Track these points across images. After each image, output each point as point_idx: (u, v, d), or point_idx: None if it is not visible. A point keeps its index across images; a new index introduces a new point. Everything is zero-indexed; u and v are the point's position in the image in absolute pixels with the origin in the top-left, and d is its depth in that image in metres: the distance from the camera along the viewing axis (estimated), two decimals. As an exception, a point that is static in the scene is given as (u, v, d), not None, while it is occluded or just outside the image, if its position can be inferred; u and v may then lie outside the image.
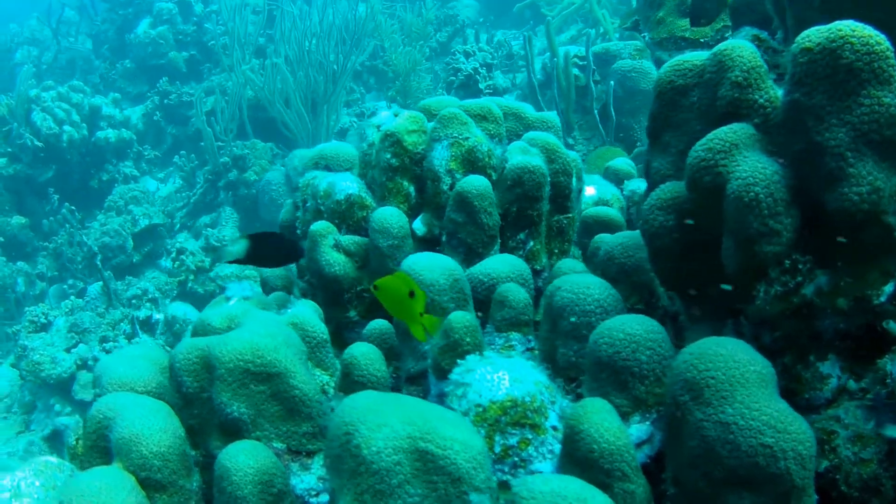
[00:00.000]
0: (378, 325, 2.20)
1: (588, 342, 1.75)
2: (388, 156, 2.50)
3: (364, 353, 1.94)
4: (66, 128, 6.43)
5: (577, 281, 1.88)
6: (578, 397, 1.84)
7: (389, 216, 2.34)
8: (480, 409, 1.68)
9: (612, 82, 5.15)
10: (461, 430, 1.46)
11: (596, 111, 5.01)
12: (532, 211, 2.41)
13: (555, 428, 1.73)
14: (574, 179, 2.52)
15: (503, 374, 1.71)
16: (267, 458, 1.66)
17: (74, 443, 2.25)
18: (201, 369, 1.86)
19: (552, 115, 2.70)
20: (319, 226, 2.42)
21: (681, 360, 1.58)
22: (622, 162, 3.65)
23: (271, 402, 1.82)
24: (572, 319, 1.85)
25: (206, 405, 1.86)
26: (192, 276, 5.54)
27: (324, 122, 6.36)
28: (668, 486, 1.64)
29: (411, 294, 1.69)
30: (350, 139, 6.34)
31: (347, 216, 2.49)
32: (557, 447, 1.71)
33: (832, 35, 1.55)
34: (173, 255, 5.70)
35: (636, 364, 1.68)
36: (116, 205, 6.07)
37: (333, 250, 2.41)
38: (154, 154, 6.84)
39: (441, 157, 2.44)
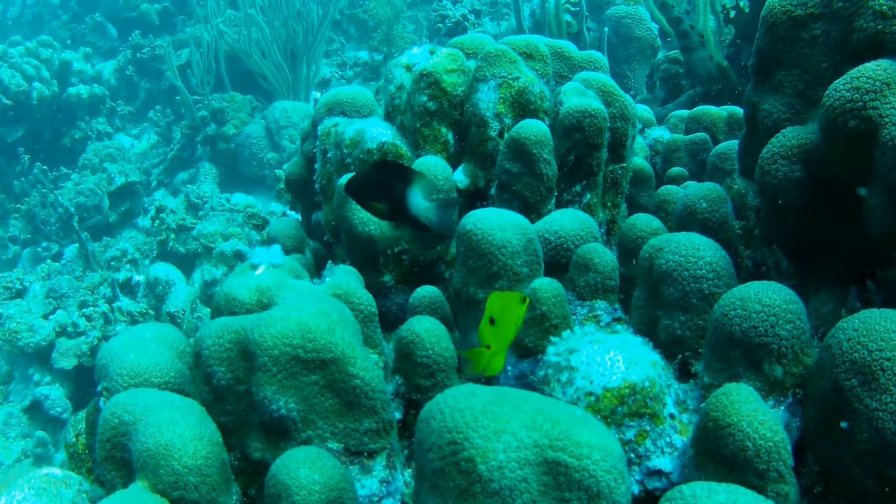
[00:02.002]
0: (427, 291, 1.81)
1: (711, 314, 1.38)
2: (425, 98, 2.08)
3: (429, 330, 1.54)
4: (36, 84, 5.81)
5: (682, 241, 1.50)
6: (688, 377, 1.47)
7: (433, 166, 1.93)
8: (592, 399, 1.31)
9: (606, 29, 4.74)
10: (597, 433, 1.09)
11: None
12: (591, 160, 2.01)
13: (672, 416, 1.37)
14: (630, 125, 2.13)
15: (616, 354, 1.33)
16: (334, 468, 1.27)
17: (74, 439, 1.83)
18: (237, 357, 1.45)
19: (598, 55, 2.30)
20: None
21: (841, 338, 1.23)
22: (641, 109, 3.27)
23: (326, 395, 1.42)
24: (680, 286, 1.47)
25: (242, 399, 1.46)
26: (172, 235, 5.04)
27: (303, 74, 5.85)
28: (811, 482, 1.31)
29: (492, 321, 1.28)
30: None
31: (379, 168, 2.07)
32: (676, 439, 1.35)
33: None
34: (152, 213, 5.19)
35: (775, 340, 1.31)
36: (91, 163, 5.51)
37: (367, 207, 1.99)
38: (128, 110, 6.25)
39: (488, 100, 2.03)
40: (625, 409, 1.30)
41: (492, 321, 1.26)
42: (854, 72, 1.35)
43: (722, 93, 3.71)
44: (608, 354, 1.32)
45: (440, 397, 1.14)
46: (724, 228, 1.79)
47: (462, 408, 1.10)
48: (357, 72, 5.90)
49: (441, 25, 5.23)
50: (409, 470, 1.56)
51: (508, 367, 1.54)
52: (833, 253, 1.50)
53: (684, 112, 3.18)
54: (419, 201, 1.67)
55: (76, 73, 6.25)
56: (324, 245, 2.44)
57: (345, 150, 2.11)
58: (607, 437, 1.09)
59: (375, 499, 1.45)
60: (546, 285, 1.49)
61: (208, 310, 4.66)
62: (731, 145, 2.12)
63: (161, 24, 6.72)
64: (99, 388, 1.58)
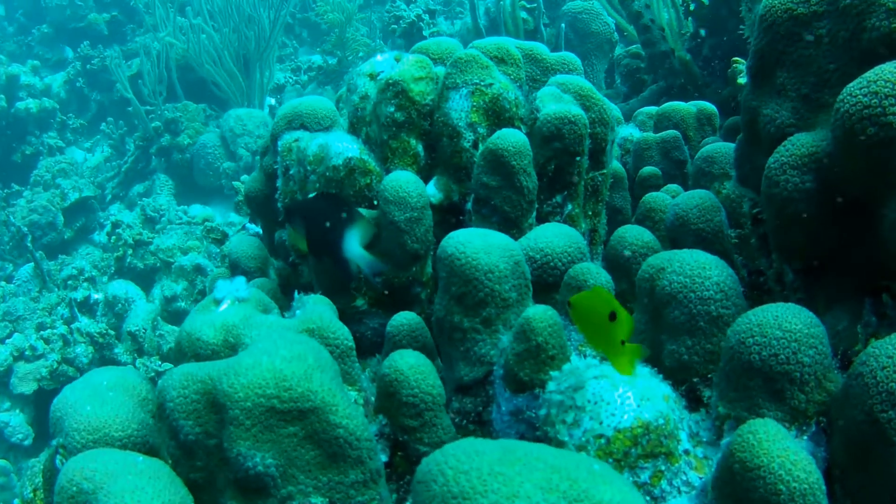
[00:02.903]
0: (406, 318, 1.65)
1: (726, 341, 1.24)
2: (392, 109, 1.92)
3: (413, 367, 1.39)
4: (-17, 100, 5.51)
5: (686, 260, 1.36)
6: (697, 404, 1.34)
7: (406, 183, 1.77)
8: (603, 441, 1.16)
9: (562, 25, 4.61)
10: (619, 489, 0.94)
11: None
12: (572, 168, 1.87)
13: (686, 452, 1.23)
14: (610, 130, 1.99)
15: (625, 391, 1.19)
16: (323, 537, 1.12)
17: (31, 495, 1.63)
18: (204, 409, 1.28)
19: (572, 56, 2.15)
20: (317, 199, 1.83)
21: (874, 366, 1.10)
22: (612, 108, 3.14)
23: (306, 447, 1.26)
24: (686, 309, 1.33)
25: (213, 454, 1.29)
26: (130, 251, 4.79)
27: (257, 80, 5.62)
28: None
29: (612, 317, 1.15)
30: (287, 96, 5.63)
31: (347, 185, 1.90)
32: (693, 476, 1.22)
33: None
34: (108, 228, 4.94)
35: (797, 368, 1.18)
36: (43, 179, 5.22)
37: (337, 228, 1.83)
38: (79, 123, 5.94)
39: (460, 109, 1.87)
40: (638, 451, 1.16)
41: (612, 316, 1.13)
42: (870, 75, 1.23)
43: (685, 87, 3.61)
44: (617, 391, 1.18)
45: (439, 455, 0.99)
46: (719, 238, 1.67)
47: (467, 469, 0.95)
48: (311, 76, 5.69)
49: (395, 26, 5.05)
50: (399, 518, 1.41)
51: (502, 403, 1.40)
52: (844, 266, 1.38)
53: (652, 109, 3.06)
54: (354, 246, 1.64)
55: (24, 87, 5.95)
56: (289, 265, 2.26)
57: (308, 167, 1.94)
58: (630, 492, 0.95)
59: (365, 555, 1.29)
60: (541, 314, 1.34)
61: (170, 327, 4.44)
62: (717, 148, 2.00)
63: (110, 34, 6.40)
64: (54, 444, 1.40)
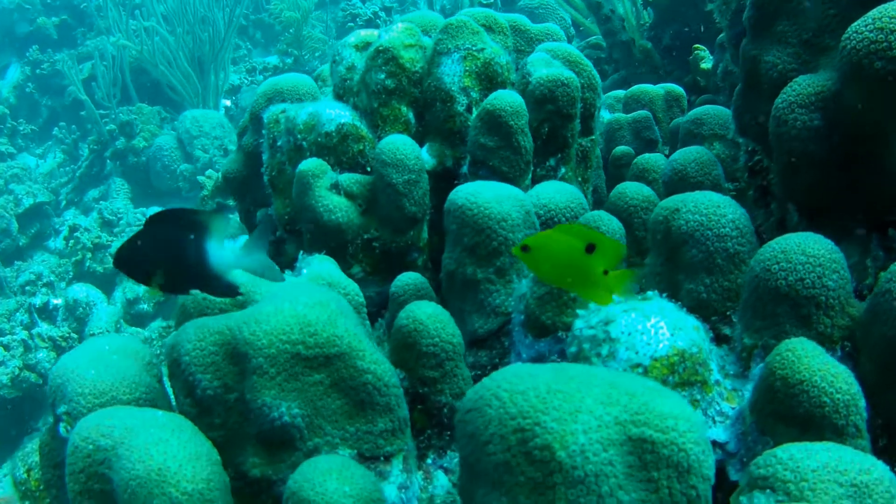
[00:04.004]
0: (410, 278, 1.60)
1: (749, 271, 1.23)
2: (382, 76, 1.87)
3: (432, 315, 1.34)
4: (-72, 107, 5.27)
5: (701, 199, 1.35)
6: (719, 344, 1.33)
7: (402, 145, 1.73)
8: (640, 371, 1.13)
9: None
10: (677, 403, 0.92)
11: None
12: (566, 131, 1.85)
13: (717, 383, 1.21)
14: (597, 96, 1.98)
15: (658, 321, 1.16)
16: (364, 477, 1.06)
17: (25, 476, 1.54)
18: (223, 361, 1.22)
19: (555, 27, 2.14)
20: (311, 164, 1.77)
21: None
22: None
23: (332, 395, 1.20)
24: (704, 247, 1.32)
25: (233, 410, 1.22)
26: (89, 255, 4.63)
27: (212, 82, 5.51)
28: (875, 436, 1.18)
29: (589, 249, 1.10)
30: (244, 96, 5.53)
31: (340, 151, 1.85)
32: (725, 406, 1.20)
33: None
34: (65, 233, 4.77)
35: (823, 292, 1.17)
36: (-6, 184, 5.03)
37: (332, 193, 1.78)
38: (30, 128, 5.72)
39: (452, 73, 1.84)
40: (675, 379, 1.14)
41: (590, 248, 1.08)
42: (875, 12, 1.23)
43: (647, 75, 3.64)
44: (649, 322, 1.16)
45: (489, 382, 0.95)
46: (717, 192, 1.66)
47: (523, 390, 0.91)
48: (267, 76, 5.59)
49: (352, 24, 5.01)
50: (421, 472, 1.36)
51: (523, 350, 1.36)
52: (851, 203, 1.38)
53: (620, 92, 3.07)
54: (220, 254, 1.12)
55: (-29, 94, 5.73)
56: (272, 244, 2.19)
57: (298, 136, 1.88)
58: (686, 406, 0.92)
59: (393, 508, 1.24)
60: (562, 256, 1.31)
61: (134, 329, 4.30)
62: (706, 110, 2.00)
63: (60, 38, 6.19)
64: (59, 412, 1.31)
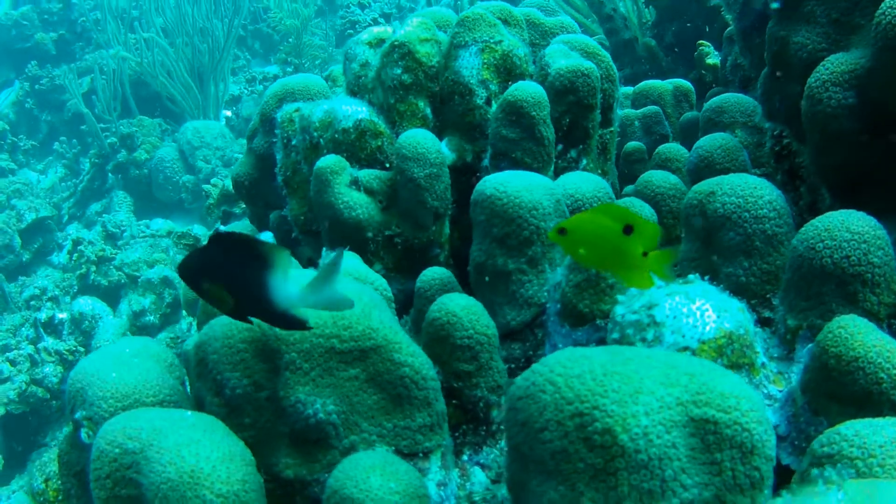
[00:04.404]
0: (436, 272, 1.56)
1: (792, 251, 1.19)
2: (399, 71, 1.84)
3: (466, 307, 1.29)
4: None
5: (736, 182, 1.31)
6: (762, 325, 1.28)
7: (423, 139, 1.69)
8: (688, 355, 1.09)
9: (519, 25, 4.60)
10: (737, 382, 0.88)
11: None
12: (586, 122, 1.81)
13: (764, 365, 1.17)
14: (616, 87, 1.94)
15: (703, 303, 1.12)
16: (408, 473, 1.01)
17: (43, 486, 1.49)
18: (253, 358, 1.17)
19: (569, 20, 2.11)
20: (330, 160, 1.73)
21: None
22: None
23: (368, 391, 1.15)
24: (741, 229, 1.28)
25: (264, 409, 1.17)
26: (93, 268, 4.56)
27: (212, 93, 5.47)
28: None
29: (627, 230, 1.04)
30: (245, 105, 5.48)
31: (358, 147, 1.80)
32: (773, 389, 1.15)
33: None
34: (68, 247, 4.70)
35: (869, 269, 1.13)
36: (-2, 200, 4.96)
37: (352, 189, 1.73)
38: (31, 144, 5.66)
39: (470, 66, 1.80)
40: (724, 362, 1.09)
41: (628, 229, 1.03)
42: (911, -15, 1.20)
43: (650, 73, 3.61)
44: (693, 304, 1.11)
45: (541, 367, 0.90)
46: (742, 177, 1.62)
47: (579, 373, 0.86)
48: (267, 86, 5.56)
49: (351, 31, 4.97)
50: (457, 469, 1.31)
51: (559, 340, 1.31)
52: (885, 181, 1.34)
53: (628, 89, 3.04)
54: (285, 290, 1.03)
55: (-30, 111, 5.67)
56: (286, 245, 2.15)
57: (315, 134, 1.83)
58: (745, 385, 0.88)
59: (432, 505, 1.19)
60: (598, 242, 1.26)
61: (141, 341, 4.23)
62: (726, 98, 1.96)
63: (58, 53, 6.14)
64: (79, 418, 1.26)
